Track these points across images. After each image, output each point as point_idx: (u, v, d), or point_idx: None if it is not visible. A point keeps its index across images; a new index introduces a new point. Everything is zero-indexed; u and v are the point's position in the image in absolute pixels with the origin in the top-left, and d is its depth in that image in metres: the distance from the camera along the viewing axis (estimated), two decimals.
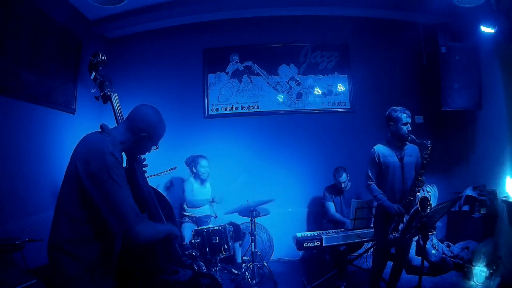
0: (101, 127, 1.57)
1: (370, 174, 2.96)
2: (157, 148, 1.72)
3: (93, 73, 1.80)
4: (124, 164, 1.63)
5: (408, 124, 2.85)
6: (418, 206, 2.60)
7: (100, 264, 1.45)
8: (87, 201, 1.41)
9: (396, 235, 2.76)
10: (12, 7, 2.91)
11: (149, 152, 1.72)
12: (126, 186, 1.44)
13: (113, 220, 1.38)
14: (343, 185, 4.04)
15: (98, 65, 1.80)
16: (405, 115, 2.85)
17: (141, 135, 1.60)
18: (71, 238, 1.41)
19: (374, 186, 2.93)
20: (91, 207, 1.41)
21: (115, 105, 1.76)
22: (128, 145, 1.60)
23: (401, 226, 2.76)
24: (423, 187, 4.13)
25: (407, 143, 2.92)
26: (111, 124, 1.69)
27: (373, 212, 3.38)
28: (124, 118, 1.70)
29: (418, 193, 2.79)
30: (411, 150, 2.95)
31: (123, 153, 1.63)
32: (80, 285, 1.41)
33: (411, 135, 2.83)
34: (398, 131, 2.86)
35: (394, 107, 2.94)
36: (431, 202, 2.54)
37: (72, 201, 1.44)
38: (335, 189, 4.16)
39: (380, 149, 2.95)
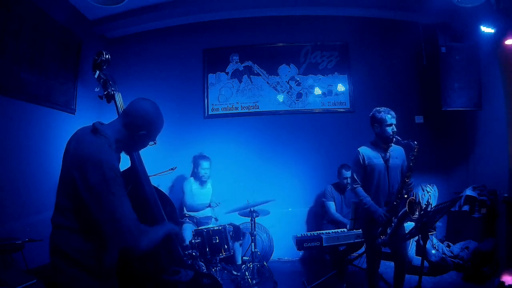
0: (94, 127, 1.44)
1: (355, 177, 2.85)
2: (155, 143, 1.65)
3: (97, 72, 1.80)
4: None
5: (393, 125, 2.76)
6: (407, 208, 2.55)
7: (98, 266, 1.42)
8: (83, 211, 1.35)
9: (385, 238, 2.68)
10: (12, 7, 2.91)
11: (145, 147, 1.65)
12: (126, 197, 1.38)
13: (114, 235, 1.34)
14: (348, 181, 4.02)
15: (102, 64, 1.79)
16: (389, 115, 2.76)
17: (140, 133, 1.53)
18: (69, 242, 1.38)
19: (360, 189, 2.82)
20: (86, 217, 1.35)
21: (118, 104, 1.75)
22: (125, 143, 1.53)
23: (389, 230, 2.69)
24: (424, 188, 4.15)
25: (392, 144, 2.82)
26: None
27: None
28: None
29: (405, 196, 2.66)
30: (396, 153, 2.85)
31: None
32: (79, 285, 1.39)
33: (396, 136, 2.74)
34: (383, 132, 2.77)
35: (378, 108, 2.84)
36: (421, 205, 2.47)
37: (67, 208, 1.39)
38: (339, 187, 4.18)
39: (365, 150, 2.84)
